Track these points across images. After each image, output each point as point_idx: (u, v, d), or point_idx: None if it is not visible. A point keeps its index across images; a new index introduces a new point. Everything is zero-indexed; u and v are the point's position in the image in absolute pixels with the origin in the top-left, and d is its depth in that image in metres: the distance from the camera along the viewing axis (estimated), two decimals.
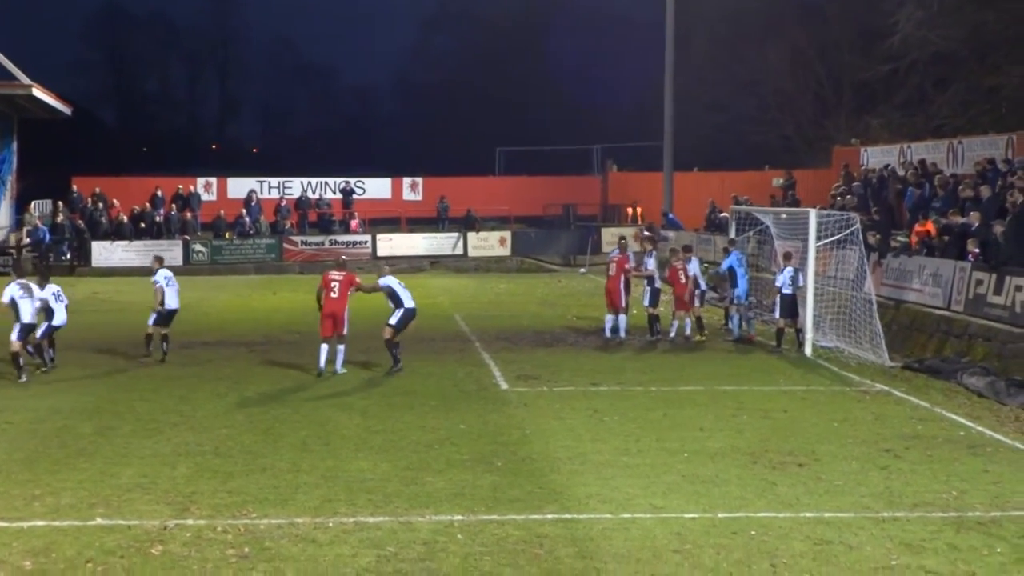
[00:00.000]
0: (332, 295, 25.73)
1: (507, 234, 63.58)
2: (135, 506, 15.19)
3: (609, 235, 63.04)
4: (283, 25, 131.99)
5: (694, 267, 32.66)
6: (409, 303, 26.19)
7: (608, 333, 31.85)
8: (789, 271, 30.74)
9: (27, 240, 59.09)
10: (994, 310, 28.01)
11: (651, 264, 33.66)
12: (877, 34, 59.34)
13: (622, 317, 32.07)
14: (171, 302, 27.91)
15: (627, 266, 32.44)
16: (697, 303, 32.46)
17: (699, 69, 71.16)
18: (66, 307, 26.65)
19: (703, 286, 33.18)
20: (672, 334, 31.99)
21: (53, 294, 26.41)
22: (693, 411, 21.98)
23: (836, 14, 69.60)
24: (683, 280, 32.00)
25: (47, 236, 58.68)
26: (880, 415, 21.93)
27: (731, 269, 32.70)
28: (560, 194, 71.10)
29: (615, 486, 16.42)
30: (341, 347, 25.87)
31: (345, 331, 25.94)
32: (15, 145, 66.18)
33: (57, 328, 26.46)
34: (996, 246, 29.03)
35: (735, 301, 32.69)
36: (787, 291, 30.45)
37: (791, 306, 30.56)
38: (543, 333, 33.40)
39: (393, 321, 26.04)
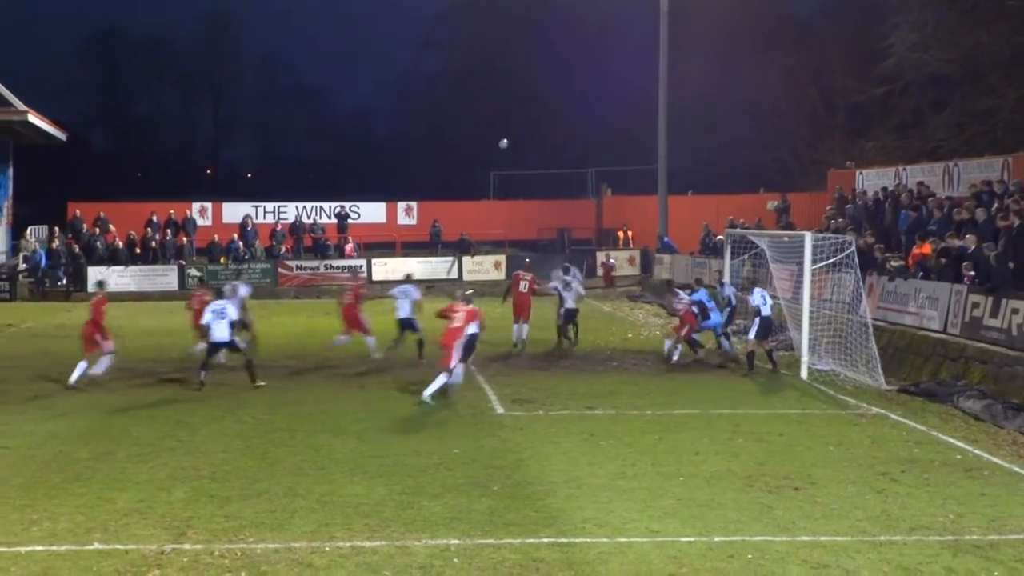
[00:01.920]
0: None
1: (502, 258, 63.61)
2: (132, 531, 15.19)
3: (603, 258, 63.57)
4: (278, 48, 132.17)
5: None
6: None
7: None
8: (761, 292, 30.98)
9: (24, 265, 59.10)
10: (990, 333, 28.03)
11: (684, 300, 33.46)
12: (872, 56, 59.68)
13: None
14: (220, 334, 27.65)
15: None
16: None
17: (694, 92, 71.37)
18: None
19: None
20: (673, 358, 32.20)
21: None
22: (688, 435, 21.99)
23: (830, 36, 70.06)
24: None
25: (44, 261, 58.69)
26: (876, 438, 21.94)
27: (700, 303, 32.98)
28: (554, 218, 71.33)
29: (611, 510, 16.43)
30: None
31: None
32: (11, 171, 66.23)
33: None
34: (990, 269, 29.09)
35: (716, 332, 33.36)
36: (766, 313, 30.52)
37: (768, 328, 30.74)
38: (538, 357, 33.41)
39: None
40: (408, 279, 34.50)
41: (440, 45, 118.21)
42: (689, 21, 65.65)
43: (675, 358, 32.02)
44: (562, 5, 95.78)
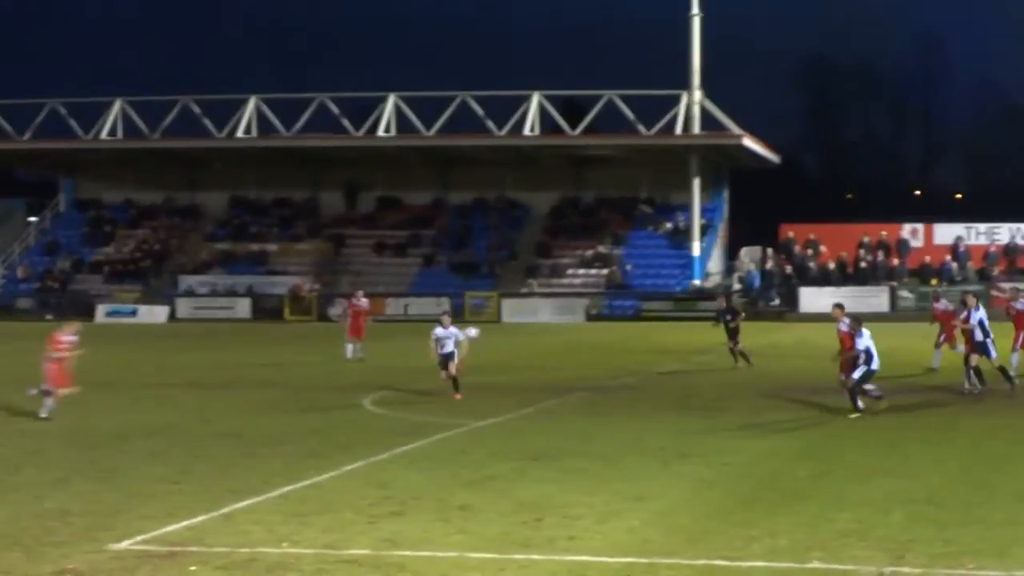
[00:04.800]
0: None
1: None
2: (851, 551, 15.40)
3: None
4: (988, 67, 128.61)
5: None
6: None
7: None
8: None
9: (738, 286, 61.11)
10: None
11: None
12: None
13: None
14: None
15: None
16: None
17: None
18: None
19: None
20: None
21: None
22: None
23: None
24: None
25: (757, 281, 60.42)
26: None
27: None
28: None
29: None
30: None
31: None
32: (726, 194, 68.76)
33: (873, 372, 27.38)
34: None
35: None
36: None
37: None
38: None
39: None
40: None
41: None
42: None
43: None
44: None
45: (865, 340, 26.75)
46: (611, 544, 15.55)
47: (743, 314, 40.78)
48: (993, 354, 30.60)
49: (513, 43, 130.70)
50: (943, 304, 36.83)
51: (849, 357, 27.28)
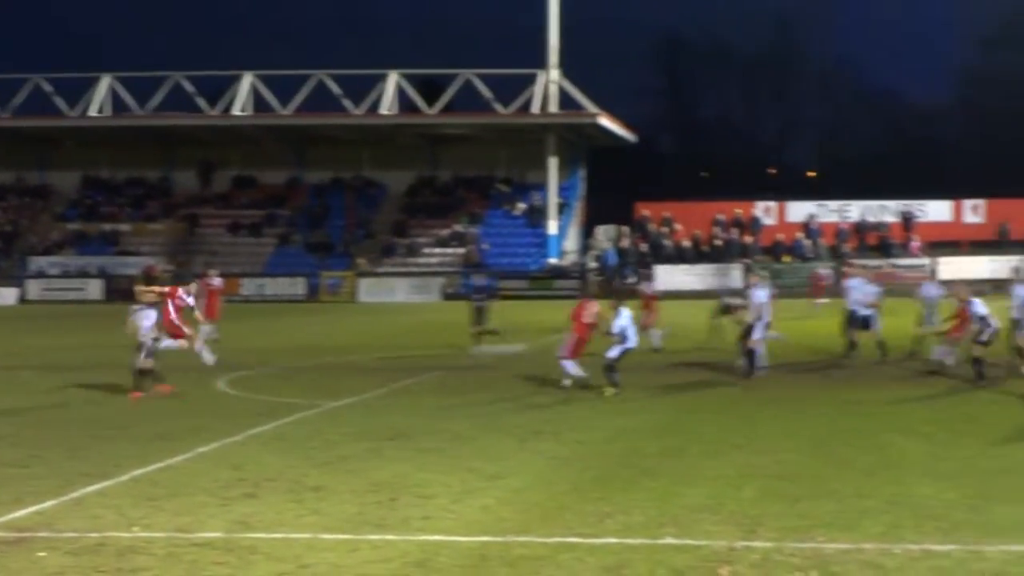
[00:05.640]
0: None
1: None
2: (703, 527, 15.53)
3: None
4: (844, 50, 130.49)
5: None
6: None
7: None
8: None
9: (594, 264, 61.45)
10: None
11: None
12: None
13: None
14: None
15: None
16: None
17: None
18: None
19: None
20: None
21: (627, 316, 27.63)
22: None
23: None
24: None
25: (613, 259, 60.84)
26: None
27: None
28: None
29: None
30: None
31: None
32: (583, 172, 69.11)
33: (630, 350, 27.53)
34: None
35: None
36: None
37: None
38: None
39: None
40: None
41: (1012, 41, 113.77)
42: None
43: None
44: None
45: (622, 320, 27.13)
46: (465, 523, 15.52)
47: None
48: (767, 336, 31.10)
49: (370, 22, 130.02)
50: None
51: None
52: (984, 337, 27.93)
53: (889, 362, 32.38)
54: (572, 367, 27.87)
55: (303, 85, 75.38)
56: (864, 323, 32.98)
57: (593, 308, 28.11)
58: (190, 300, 31.55)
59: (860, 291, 33.34)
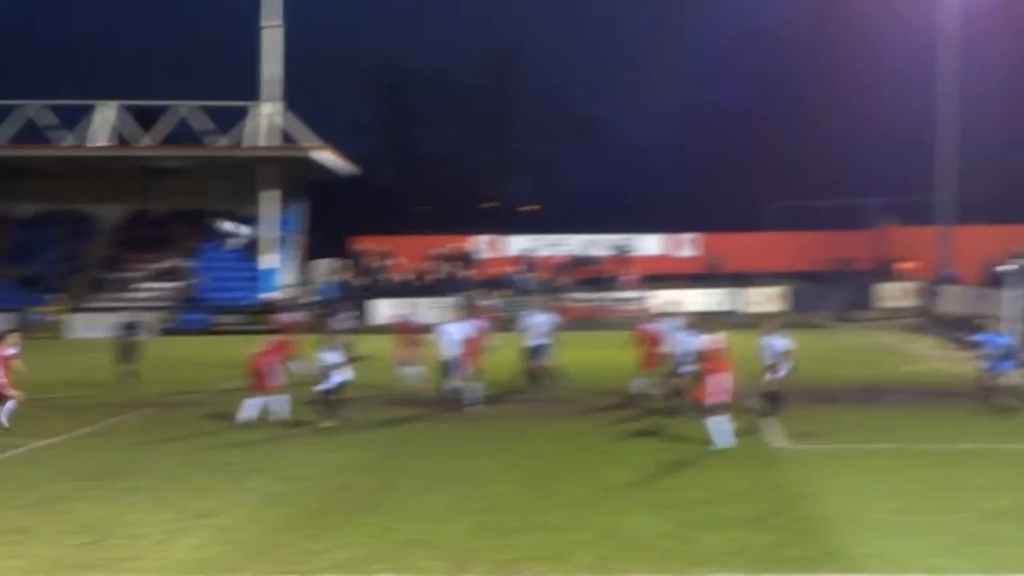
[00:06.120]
0: None
1: (781, 289, 62.97)
2: (416, 561, 15.49)
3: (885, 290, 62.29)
4: (558, 82, 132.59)
5: None
6: None
7: None
8: None
9: (313, 298, 61.07)
10: None
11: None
12: None
13: None
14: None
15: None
16: None
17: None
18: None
19: None
20: None
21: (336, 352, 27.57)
22: (971, 469, 21.35)
23: None
24: None
25: (332, 293, 60.56)
26: None
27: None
28: (833, 249, 69.77)
29: (894, 545, 16.08)
30: None
31: None
32: (305, 205, 68.70)
33: (343, 383, 27.48)
34: None
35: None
36: None
37: None
38: (819, 390, 32.79)
39: None
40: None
41: (719, 80, 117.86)
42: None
43: None
44: (845, 39, 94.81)
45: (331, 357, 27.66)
46: (174, 562, 15.24)
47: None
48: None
49: (83, 51, 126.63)
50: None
51: None
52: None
53: (562, 389, 32.88)
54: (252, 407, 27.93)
55: (7, 116, 72.79)
56: (536, 353, 33.50)
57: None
58: None
59: (535, 321, 33.83)
